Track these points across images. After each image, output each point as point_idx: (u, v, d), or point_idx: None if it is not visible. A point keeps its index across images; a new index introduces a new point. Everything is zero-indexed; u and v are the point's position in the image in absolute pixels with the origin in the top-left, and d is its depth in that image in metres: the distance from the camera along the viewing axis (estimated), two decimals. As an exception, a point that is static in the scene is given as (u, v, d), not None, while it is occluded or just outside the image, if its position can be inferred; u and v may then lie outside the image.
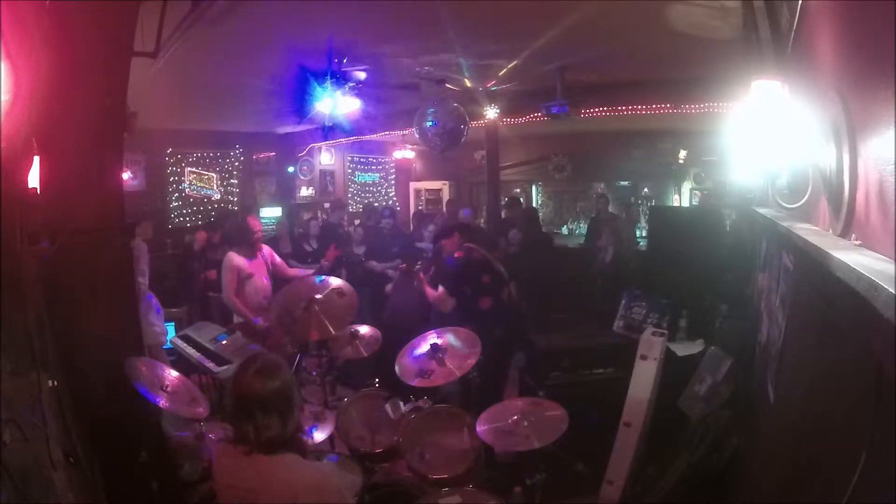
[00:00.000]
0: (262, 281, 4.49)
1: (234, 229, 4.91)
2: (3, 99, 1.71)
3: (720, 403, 3.08)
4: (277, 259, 4.77)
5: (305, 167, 9.71)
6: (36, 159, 2.05)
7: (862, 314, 0.86)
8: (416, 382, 2.93)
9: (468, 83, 5.48)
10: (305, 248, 6.74)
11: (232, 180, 9.01)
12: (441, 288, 3.72)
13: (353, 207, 10.23)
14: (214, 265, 6.19)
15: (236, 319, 4.65)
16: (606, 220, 7.24)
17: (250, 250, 4.47)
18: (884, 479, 0.94)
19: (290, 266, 5.19)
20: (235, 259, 4.40)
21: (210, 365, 3.73)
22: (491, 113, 6.22)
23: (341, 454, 2.97)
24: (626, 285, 4.41)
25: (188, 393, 2.67)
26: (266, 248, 4.72)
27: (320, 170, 9.94)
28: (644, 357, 3.47)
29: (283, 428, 1.65)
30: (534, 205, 9.71)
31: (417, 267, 4.12)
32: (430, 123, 5.55)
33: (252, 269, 4.44)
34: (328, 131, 5.43)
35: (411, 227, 8.39)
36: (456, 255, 3.82)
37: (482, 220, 7.51)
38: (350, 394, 3.52)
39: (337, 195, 9.94)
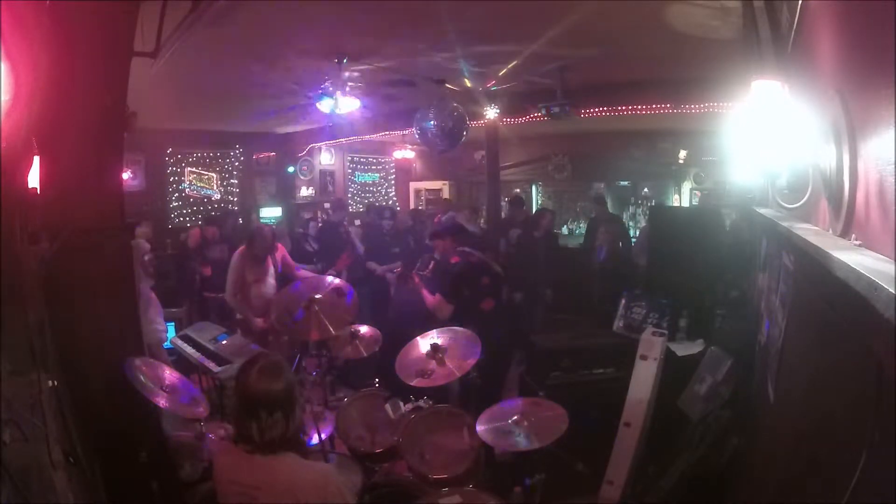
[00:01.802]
0: (268, 283, 4.49)
1: (248, 234, 4.90)
2: (3, 99, 1.71)
3: (720, 403, 3.08)
4: (289, 260, 4.78)
5: (305, 167, 9.71)
6: (36, 159, 2.05)
7: (862, 314, 0.86)
8: (416, 382, 2.93)
9: (468, 83, 5.48)
10: (306, 248, 6.74)
11: (232, 180, 9.01)
12: (438, 295, 3.72)
13: (353, 207, 10.24)
14: (212, 262, 6.20)
15: (238, 317, 4.67)
16: (604, 220, 7.23)
17: (258, 256, 4.48)
18: (884, 479, 0.94)
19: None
20: (243, 261, 4.41)
21: (210, 365, 3.73)
22: (491, 113, 6.22)
23: (341, 454, 2.97)
24: (625, 285, 4.41)
25: (188, 393, 2.67)
26: (279, 248, 4.72)
27: (320, 170, 9.95)
28: (644, 357, 3.46)
29: (286, 427, 1.66)
30: (534, 205, 9.71)
31: (416, 268, 4.10)
32: (430, 123, 5.55)
33: (259, 273, 4.45)
34: (329, 130, 5.45)
35: (410, 222, 8.34)
36: (452, 260, 3.81)
37: (482, 221, 7.50)
38: (350, 394, 3.51)
39: (337, 195, 9.95)
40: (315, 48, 4.19)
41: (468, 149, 9.21)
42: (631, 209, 9.25)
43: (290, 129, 8.91)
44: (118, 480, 2.31)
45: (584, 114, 5.64)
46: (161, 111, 5.52)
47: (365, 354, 3.44)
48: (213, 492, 1.83)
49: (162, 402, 2.45)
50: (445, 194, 10.56)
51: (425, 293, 3.83)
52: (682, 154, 8.53)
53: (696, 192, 8.67)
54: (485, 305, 3.65)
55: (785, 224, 1.75)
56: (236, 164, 9.05)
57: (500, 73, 5.18)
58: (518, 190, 9.90)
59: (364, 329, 3.57)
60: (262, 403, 1.65)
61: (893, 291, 0.74)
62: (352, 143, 9.60)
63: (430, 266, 4.24)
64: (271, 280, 4.55)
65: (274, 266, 4.59)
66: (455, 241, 3.99)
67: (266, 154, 9.41)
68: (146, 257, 4.08)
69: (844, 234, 1.28)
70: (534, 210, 8.59)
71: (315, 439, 2.90)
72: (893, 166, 0.94)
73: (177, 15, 3.02)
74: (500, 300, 3.82)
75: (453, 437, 2.82)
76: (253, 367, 1.71)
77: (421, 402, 3.01)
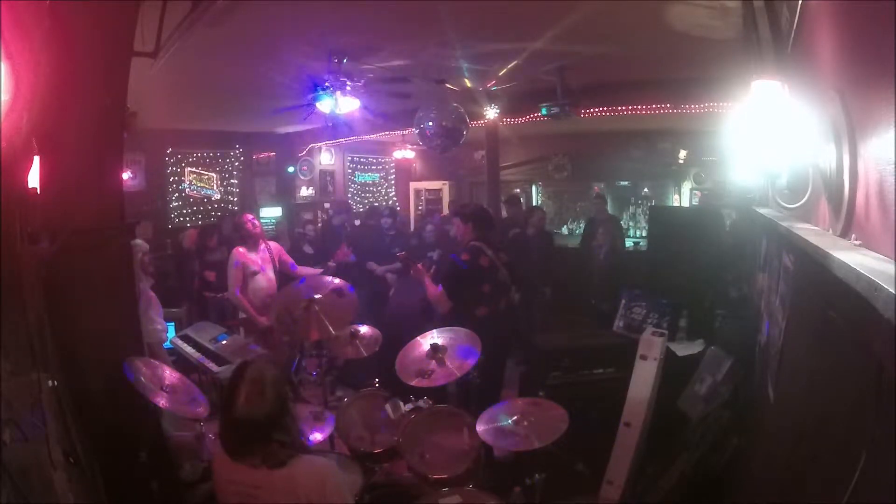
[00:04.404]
0: (267, 278, 4.53)
1: (231, 229, 4.95)
2: (3, 99, 1.71)
3: (720, 403, 3.08)
4: (286, 256, 4.82)
5: (305, 167, 9.71)
6: (36, 159, 2.05)
7: (862, 314, 0.86)
8: (416, 382, 2.93)
9: (468, 83, 5.47)
10: (305, 251, 6.73)
11: (232, 180, 9.01)
12: (441, 289, 3.67)
13: (352, 208, 10.23)
14: (212, 266, 6.21)
15: (241, 316, 4.68)
16: (603, 220, 7.21)
17: (252, 244, 4.51)
18: (884, 479, 0.94)
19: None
20: (241, 255, 4.45)
21: (210, 365, 3.74)
22: (491, 113, 6.22)
23: (341, 454, 2.97)
24: (625, 285, 4.41)
25: (188, 393, 2.67)
26: (274, 245, 4.78)
27: (320, 170, 9.95)
28: (644, 357, 3.46)
29: (283, 450, 1.65)
30: (534, 204, 9.69)
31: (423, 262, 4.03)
32: (430, 124, 5.54)
33: (257, 265, 4.48)
34: (329, 130, 5.44)
35: (412, 226, 8.35)
36: (463, 257, 3.72)
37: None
38: (350, 394, 3.51)
39: (339, 196, 9.93)
40: (315, 48, 4.19)
41: (468, 149, 9.21)
42: (631, 209, 9.24)
43: (290, 129, 8.90)
44: (118, 480, 2.31)
45: (584, 114, 5.63)
46: (161, 111, 5.52)
47: (365, 354, 3.44)
48: (213, 492, 1.83)
49: (162, 402, 2.45)
50: (445, 194, 10.55)
51: (428, 282, 3.77)
52: (682, 154, 8.52)
53: (696, 192, 8.65)
54: (479, 312, 3.59)
55: (785, 224, 1.75)
56: (236, 164, 9.05)
57: (500, 73, 5.18)
58: (518, 190, 9.90)
59: (364, 329, 3.56)
60: (253, 436, 1.63)
61: (893, 291, 0.74)
62: (352, 143, 9.59)
63: (433, 270, 4.19)
64: (270, 274, 4.57)
65: (272, 260, 4.60)
66: (474, 231, 3.81)
67: (266, 154, 9.41)
68: (144, 257, 4.07)
69: (844, 234, 1.28)
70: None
71: (315, 439, 2.91)
72: (893, 166, 0.94)
73: (177, 15, 3.02)
74: (497, 309, 3.74)
75: (453, 437, 2.82)
76: (237, 396, 1.64)
77: (421, 402, 3.01)
